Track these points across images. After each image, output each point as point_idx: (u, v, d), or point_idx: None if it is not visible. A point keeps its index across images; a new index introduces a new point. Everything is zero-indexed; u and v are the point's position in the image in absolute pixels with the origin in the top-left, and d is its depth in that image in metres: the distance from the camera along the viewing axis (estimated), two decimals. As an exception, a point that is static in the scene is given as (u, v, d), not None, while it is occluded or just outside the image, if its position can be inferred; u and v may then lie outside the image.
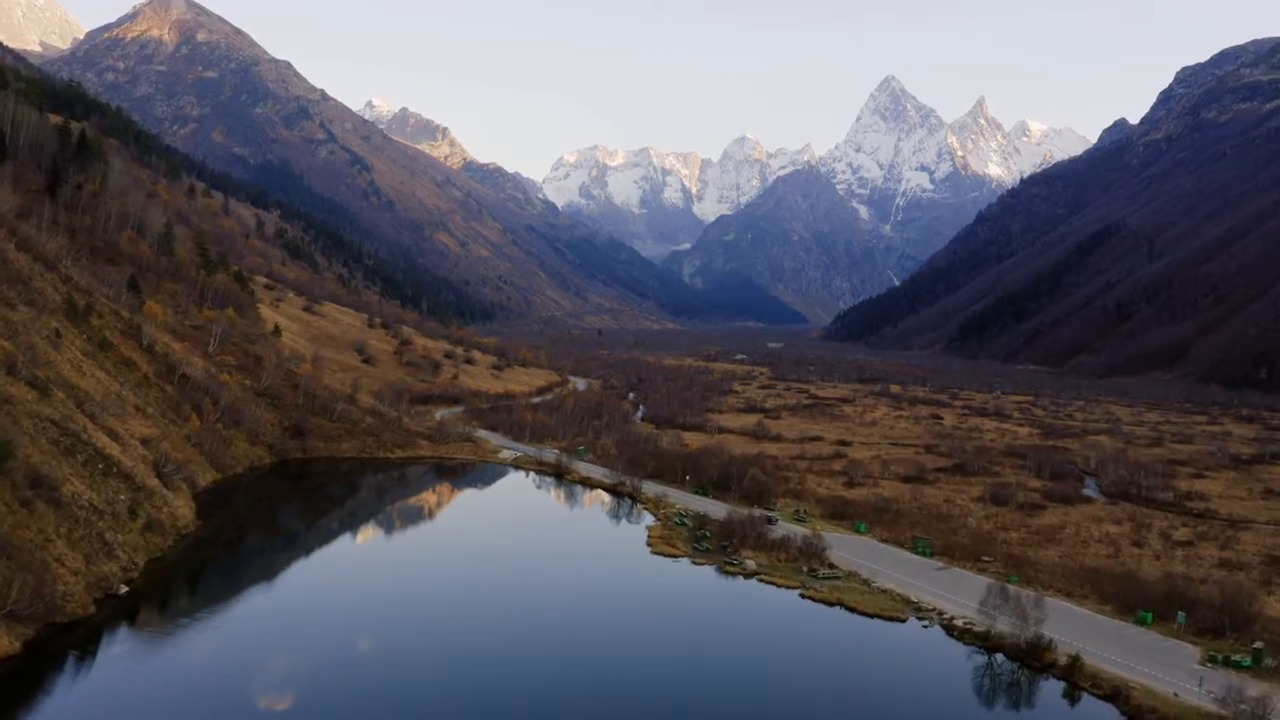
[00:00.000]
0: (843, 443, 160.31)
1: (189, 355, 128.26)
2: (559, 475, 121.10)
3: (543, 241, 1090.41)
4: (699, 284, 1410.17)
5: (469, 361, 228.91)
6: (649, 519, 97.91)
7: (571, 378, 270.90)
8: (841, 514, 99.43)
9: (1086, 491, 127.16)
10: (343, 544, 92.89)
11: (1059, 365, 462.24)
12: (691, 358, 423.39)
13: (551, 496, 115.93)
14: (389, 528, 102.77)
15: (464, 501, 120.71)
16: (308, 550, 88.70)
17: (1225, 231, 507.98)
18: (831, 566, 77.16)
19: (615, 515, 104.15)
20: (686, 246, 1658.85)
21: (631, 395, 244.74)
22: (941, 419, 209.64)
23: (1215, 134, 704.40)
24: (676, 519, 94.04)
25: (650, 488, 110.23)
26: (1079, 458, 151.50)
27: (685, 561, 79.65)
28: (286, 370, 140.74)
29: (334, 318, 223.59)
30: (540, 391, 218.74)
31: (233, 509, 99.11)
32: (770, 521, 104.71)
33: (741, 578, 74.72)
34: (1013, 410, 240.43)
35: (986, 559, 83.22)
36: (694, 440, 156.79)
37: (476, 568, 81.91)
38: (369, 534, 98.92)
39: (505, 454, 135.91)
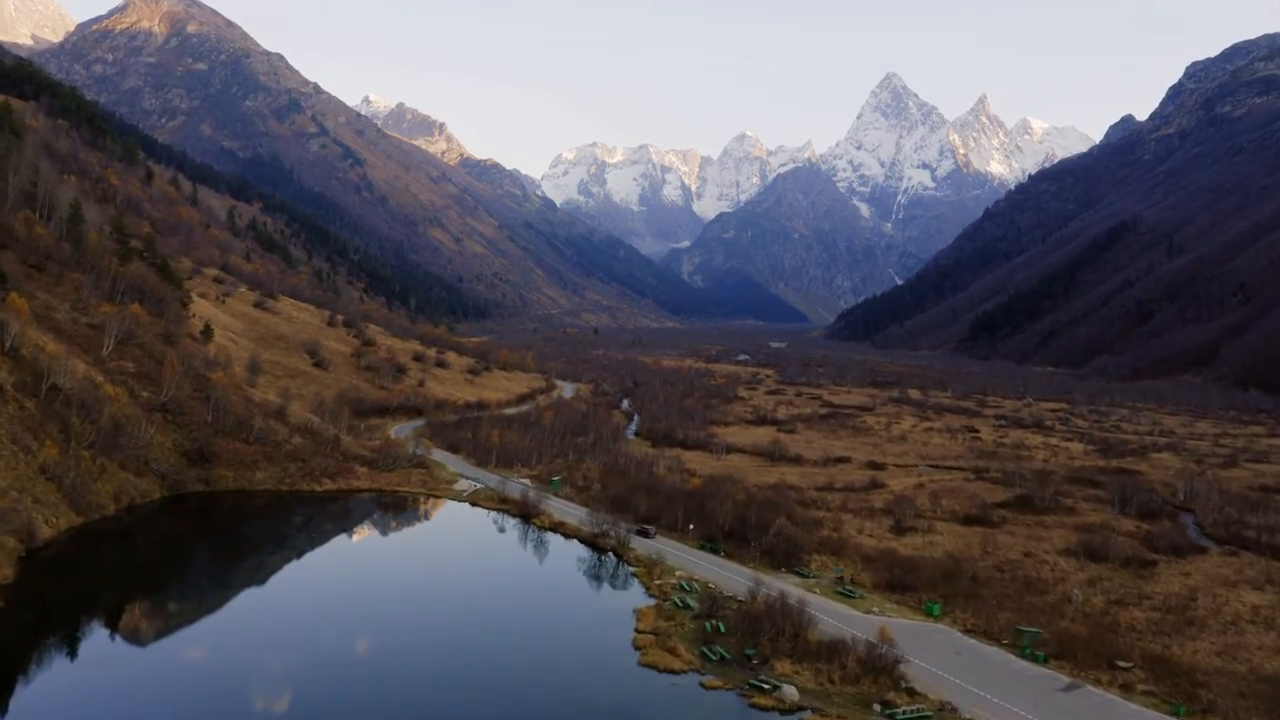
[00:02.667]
0: (875, 465, 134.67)
1: (68, 360, 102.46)
2: (525, 517, 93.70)
3: (540, 238, 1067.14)
4: (698, 282, 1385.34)
5: (441, 365, 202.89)
6: (638, 593, 70.87)
7: (559, 382, 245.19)
8: (900, 581, 72.51)
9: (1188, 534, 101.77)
10: (191, 642, 61.65)
11: (1078, 366, 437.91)
12: (691, 358, 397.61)
13: (508, 553, 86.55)
14: (260, 620, 67.88)
15: (383, 566, 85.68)
16: (134, 643, 60.44)
17: (1250, 227, 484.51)
18: (912, 694, 50.76)
19: (595, 581, 76.66)
20: (686, 244, 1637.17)
21: (625, 403, 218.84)
22: (978, 432, 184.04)
23: (1230, 128, 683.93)
24: (676, 596, 67.17)
25: (642, 542, 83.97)
26: (1160, 485, 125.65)
27: (691, 678, 52.47)
28: (197, 377, 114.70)
29: (288, 315, 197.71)
30: (520, 399, 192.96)
31: (76, 575, 72.48)
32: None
33: (779, 715, 48.56)
34: (1052, 420, 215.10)
35: (1123, 664, 57.69)
36: (697, 461, 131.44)
37: (365, 701, 50.20)
38: (237, 626, 65.78)
39: (462, 485, 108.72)
